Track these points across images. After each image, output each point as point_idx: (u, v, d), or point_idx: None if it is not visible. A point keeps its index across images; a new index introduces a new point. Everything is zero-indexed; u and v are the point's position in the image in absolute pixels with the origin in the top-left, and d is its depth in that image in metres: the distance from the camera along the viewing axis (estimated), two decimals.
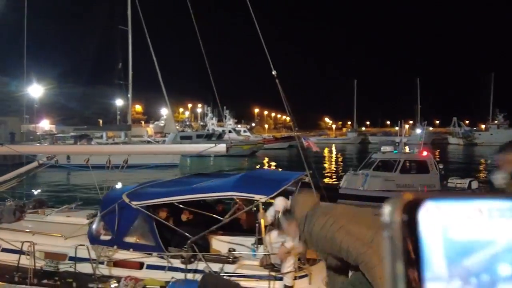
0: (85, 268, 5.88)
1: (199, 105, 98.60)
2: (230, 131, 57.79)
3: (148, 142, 36.88)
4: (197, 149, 8.23)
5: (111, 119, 61.20)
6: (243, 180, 6.38)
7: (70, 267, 5.93)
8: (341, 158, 44.23)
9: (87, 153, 9.10)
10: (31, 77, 57.15)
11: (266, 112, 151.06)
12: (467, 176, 11.46)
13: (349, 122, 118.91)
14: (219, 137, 47.81)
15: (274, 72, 8.23)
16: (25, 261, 6.08)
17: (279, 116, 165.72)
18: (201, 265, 5.56)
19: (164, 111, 75.58)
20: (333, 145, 69.71)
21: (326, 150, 57.60)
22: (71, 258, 5.99)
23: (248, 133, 62.76)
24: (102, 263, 5.88)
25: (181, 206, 6.33)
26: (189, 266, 5.57)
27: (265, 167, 27.71)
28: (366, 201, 12.12)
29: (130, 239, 6.13)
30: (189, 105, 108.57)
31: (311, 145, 10.24)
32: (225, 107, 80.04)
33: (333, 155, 50.66)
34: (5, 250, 6.39)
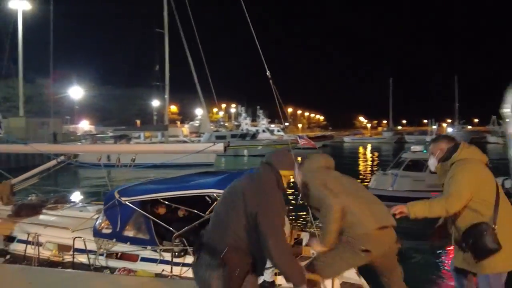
0: (86, 259, 6.22)
1: (233, 105, 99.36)
2: (263, 131, 58.08)
3: (184, 142, 37.65)
4: (196, 148, 8.50)
5: (148, 119, 62.50)
6: (228, 178, 6.44)
7: (73, 257, 6.31)
8: (376, 157, 43.72)
9: (95, 152, 9.65)
10: (72, 80, 59.18)
11: (299, 112, 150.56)
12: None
13: (385, 121, 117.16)
14: (253, 137, 48.15)
15: (268, 73, 8.41)
16: (32, 250, 6.55)
17: (312, 115, 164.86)
18: (189, 259, 5.80)
19: (199, 111, 76.63)
20: (368, 144, 68.95)
21: (361, 150, 57.01)
22: (75, 250, 6.36)
23: (281, 133, 62.72)
24: (102, 255, 6.23)
25: (166, 202, 6.53)
26: (179, 260, 5.86)
27: None
28: (395, 201, 11.95)
29: (128, 233, 6.42)
30: (223, 105, 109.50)
31: (307, 143, 10.20)
32: (258, 107, 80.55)
33: (368, 154, 50.12)
34: (18, 241, 6.87)
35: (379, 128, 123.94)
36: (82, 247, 6.28)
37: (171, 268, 5.73)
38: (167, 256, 5.91)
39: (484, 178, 3.28)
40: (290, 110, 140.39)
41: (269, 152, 3.32)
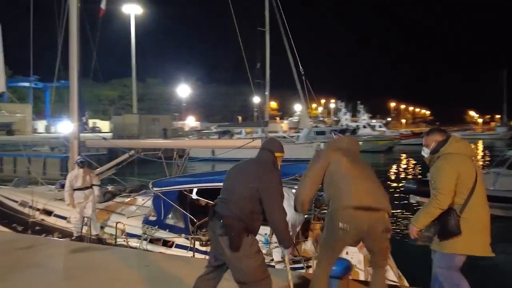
0: (133, 242, 7.07)
1: (332, 100, 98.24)
2: (364, 126, 56.74)
3: (283, 137, 38.20)
4: (235, 144, 8.83)
5: (248, 116, 64.26)
6: None
7: (124, 240, 7.13)
8: (488, 155, 40.59)
9: (151, 146, 10.68)
10: (180, 78, 62.75)
11: (403, 106, 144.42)
12: None
13: (498, 116, 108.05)
14: (353, 132, 47.26)
15: (301, 69, 8.41)
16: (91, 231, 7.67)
17: (417, 110, 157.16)
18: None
19: (298, 107, 76.85)
20: (480, 141, 64.20)
21: (471, 147, 53.19)
22: (127, 234, 7.24)
23: (383, 128, 60.82)
24: (146, 239, 6.98)
25: (190, 194, 7.04)
26: (205, 248, 6.37)
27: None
28: (495, 201, 11.07)
29: (169, 221, 7.14)
30: (322, 101, 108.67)
31: None
32: (358, 102, 78.84)
33: (479, 151, 46.72)
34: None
35: (492, 123, 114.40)
36: (133, 232, 7.20)
37: (193, 254, 6.36)
38: (197, 244, 6.52)
39: (464, 172, 3.55)
40: (393, 104, 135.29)
41: (264, 141, 3.86)
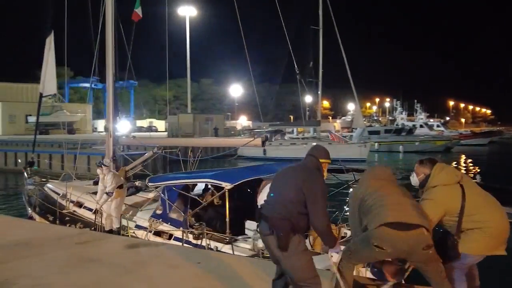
0: (140, 233, 7.58)
1: (387, 99, 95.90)
2: (421, 126, 54.80)
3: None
4: (236, 143, 8.95)
5: (300, 115, 64.01)
6: (227, 171, 7.49)
7: (133, 232, 7.63)
8: None
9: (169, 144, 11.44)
10: (232, 78, 63.44)
11: (462, 105, 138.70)
12: None
13: None
14: (409, 132, 45.82)
15: (296, 69, 8.44)
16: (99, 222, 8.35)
17: (477, 109, 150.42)
18: (203, 242, 6.73)
19: (351, 106, 75.62)
20: None
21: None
22: (136, 226, 7.81)
23: (441, 128, 58.44)
24: (150, 231, 7.47)
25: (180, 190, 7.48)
26: (196, 242, 6.78)
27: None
28: None
29: (172, 215, 7.53)
30: (377, 100, 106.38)
31: (335, 139, 9.81)
32: (415, 101, 76.30)
33: None
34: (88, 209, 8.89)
35: None
36: (139, 224, 7.74)
37: (182, 244, 6.74)
38: (190, 237, 6.94)
39: (449, 199, 3.65)
40: (451, 103, 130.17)
41: (311, 147, 3.99)
